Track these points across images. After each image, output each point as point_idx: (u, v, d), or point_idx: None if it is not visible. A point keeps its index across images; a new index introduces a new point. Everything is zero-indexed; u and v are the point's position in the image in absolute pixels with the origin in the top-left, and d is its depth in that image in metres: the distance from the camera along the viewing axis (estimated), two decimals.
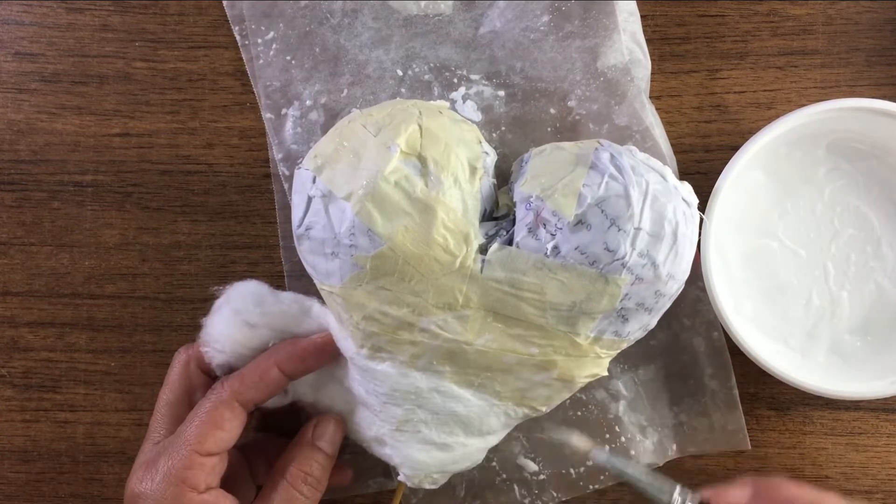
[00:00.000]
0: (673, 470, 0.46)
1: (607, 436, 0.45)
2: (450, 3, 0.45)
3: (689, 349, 0.45)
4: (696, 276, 0.43)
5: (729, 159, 0.45)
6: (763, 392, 0.46)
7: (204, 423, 0.37)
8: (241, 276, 0.46)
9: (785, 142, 0.43)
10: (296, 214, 0.38)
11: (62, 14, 0.47)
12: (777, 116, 0.45)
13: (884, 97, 0.45)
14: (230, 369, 0.40)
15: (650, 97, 0.45)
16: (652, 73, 0.45)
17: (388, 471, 0.45)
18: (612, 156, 0.37)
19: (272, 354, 0.39)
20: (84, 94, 0.46)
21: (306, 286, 0.41)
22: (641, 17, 0.45)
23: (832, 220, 0.44)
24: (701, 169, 0.46)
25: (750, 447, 0.45)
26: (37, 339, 0.47)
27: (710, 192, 0.41)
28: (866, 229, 0.44)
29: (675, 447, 0.45)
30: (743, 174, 0.43)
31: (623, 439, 0.44)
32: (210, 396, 0.38)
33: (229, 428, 0.38)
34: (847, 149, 0.44)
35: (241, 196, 0.46)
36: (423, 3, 0.45)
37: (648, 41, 0.46)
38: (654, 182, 0.37)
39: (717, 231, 0.41)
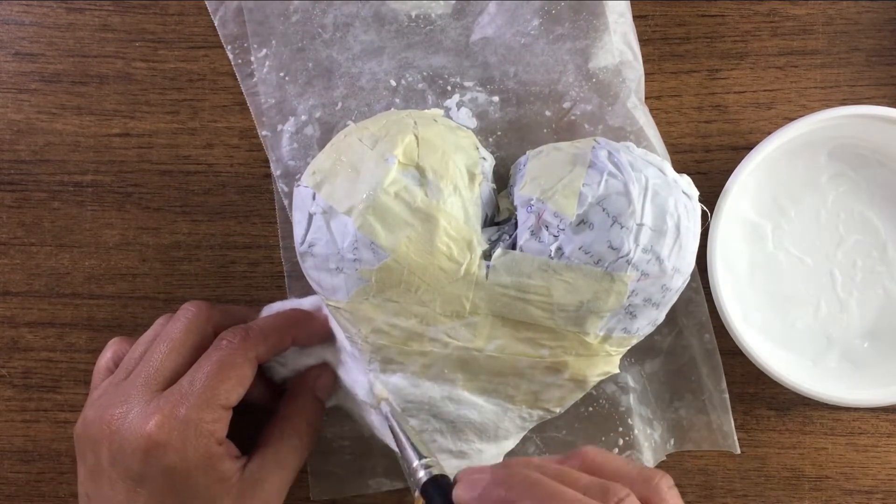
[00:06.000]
0: (673, 469, 0.46)
1: (620, 429, 0.44)
2: (446, 2, 0.45)
3: (690, 347, 0.45)
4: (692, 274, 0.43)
5: (729, 159, 0.45)
6: (763, 392, 0.46)
7: (230, 378, 0.37)
8: (241, 277, 0.46)
9: (787, 150, 0.43)
10: (298, 232, 0.38)
11: (62, 14, 0.46)
12: (777, 116, 0.46)
13: (884, 97, 0.45)
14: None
15: (649, 97, 0.45)
16: (652, 73, 0.45)
17: (388, 471, 0.45)
18: (609, 153, 0.37)
19: (291, 326, 0.40)
20: (84, 94, 0.46)
21: (307, 287, 0.41)
22: (641, 17, 0.45)
23: (837, 226, 0.44)
24: (701, 169, 0.46)
25: (738, 451, 0.45)
26: (37, 339, 0.47)
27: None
28: (871, 234, 0.44)
29: (672, 441, 0.45)
30: (746, 184, 0.43)
31: (636, 431, 0.44)
32: (228, 349, 0.37)
33: (247, 384, 0.38)
34: (849, 155, 0.44)
35: (241, 196, 0.46)
36: (420, 3, 0.45)
37: (648, 41, 0.46)
38: (654, 177, 0.37)
39: (723, 242, 0.41)
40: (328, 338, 0.41)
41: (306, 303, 0.42)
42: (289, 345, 0.40)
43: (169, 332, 0.38)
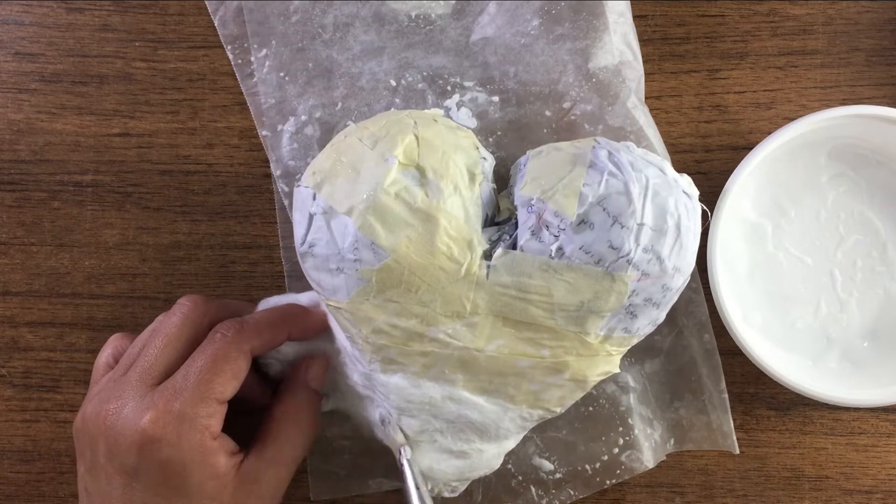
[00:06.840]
0: (673, 469, 0.46)
1: (620, 429, 0.44)
2: (446, 2, 0.45)
3: (690, 347, 0.45)
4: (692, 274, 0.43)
5: (729, 159, 0.45)
6: (763, 392, 0.46)
7: (224, 371, 0.36)
8: (241, 277, 0.46)
9: (787, 150, 0.43)
10: (298, 232, 0.38)
11: (62, 14, 0.47)
12: (777, 116, 0.46)
13: (884, 97, 0.45)
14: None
15: (649, 97, 0.45)
16: (652, 73, 0.45)
17: (388, 471, 0.45)
18: (609, 153, 0.37)
19: (286, 320, 0.40)
20: (84, 94, 0.46)
21: (307, 287, 0.41)
22: (641, 17, 0.45)
23: (837, 226, 0.44)
24: (701, 169, 0.46)
25: (738, 451, 0.45)
26: (37, 339, 0.47)
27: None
28: (871, 234, 0.44)
29: (672, 441, 0.45)
30: (746, 184, 0.43)
31: (636, 431, 0.44)
32: (222, 342, 0.37)
33: (242, 377, 0.37)
34: (849, 155, 0.44)
35: (241, 196, 0.46)
36: (420, 3, 0.45)
37: (648, 41, 0.46)
38: (654, 176, 0.37)
39: (723, 242, 0.41)
40: (325, 333, 0.41)
41: (304, 298, 0.42)
42: (284, 339, 0.40)
43: (164, 327, 0.38)
